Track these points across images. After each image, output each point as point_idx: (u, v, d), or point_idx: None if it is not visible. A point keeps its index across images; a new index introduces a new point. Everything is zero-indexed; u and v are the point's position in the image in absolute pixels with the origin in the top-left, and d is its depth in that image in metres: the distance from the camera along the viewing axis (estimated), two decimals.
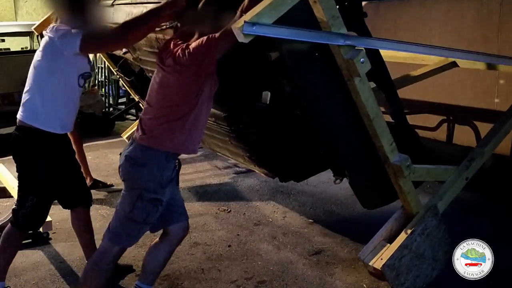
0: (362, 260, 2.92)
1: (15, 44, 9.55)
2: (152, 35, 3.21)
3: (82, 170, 4.84)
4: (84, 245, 3.22)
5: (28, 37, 8.74)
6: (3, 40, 9.32)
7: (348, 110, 2.77)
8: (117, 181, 5.03)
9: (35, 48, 8.50)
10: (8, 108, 6.94)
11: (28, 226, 2.97)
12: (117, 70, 5.10)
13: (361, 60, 2.48)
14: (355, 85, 2.56)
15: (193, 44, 2.43)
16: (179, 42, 2.53)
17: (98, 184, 4.99)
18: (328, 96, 2.78)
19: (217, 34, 2.37)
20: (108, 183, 5.04)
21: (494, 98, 4.84)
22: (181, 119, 2.47)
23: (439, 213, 3.00)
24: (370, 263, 2.85)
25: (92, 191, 4.87)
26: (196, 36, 2.52)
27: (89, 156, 6.28)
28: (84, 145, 6.85)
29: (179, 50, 2.45)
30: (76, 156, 4.67)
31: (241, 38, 2.20)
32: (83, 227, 3.16)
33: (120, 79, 5.58)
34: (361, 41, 2.56)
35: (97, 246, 3.21)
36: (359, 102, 2.64)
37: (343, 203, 4.39)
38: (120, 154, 2.62)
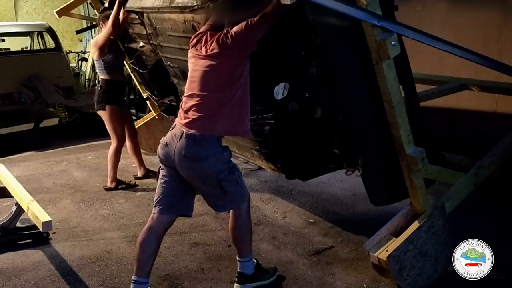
0: (367, 251, 2.92)
1: (15, 44, 9.55)
2: (180, 17, 3.23)
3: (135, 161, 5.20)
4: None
5: (28, 37, 8.74)
6: (3, 40, 9.32)
7: (371, 97, 2.79)
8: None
9: (35, 48, 8.50)
10: (8, 108, 6.97)
11: None
12: (131, 63, 5.13)
13: (392, 42, 2.53)
14: (382, 68, 2.59)
15: (234, 28, 2.64)
16: (213, 33, 2.74)
17: (150, 174, 5.10)
18: (353, 79, 2.82)
19: (256, 18, 2.57)
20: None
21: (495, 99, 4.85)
22: (230, 101, 2.65)
23: (446, 214, 3.00)
24: (375, 254, 2.85)
25: (93, 192, 4.92)
26: (227, 27, 2.71)
27: (89, 156, 6.31)
28: (84, 145, 6.94)
29: (222, 35, 2.66)
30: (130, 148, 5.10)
31: None
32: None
33: (131, 73, 5.66)
34: (394, 25, 2.59)
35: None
36: (383, 88, 2.66)
37: (343, 203, 4.39)
38: (166, 144, 2.74)
